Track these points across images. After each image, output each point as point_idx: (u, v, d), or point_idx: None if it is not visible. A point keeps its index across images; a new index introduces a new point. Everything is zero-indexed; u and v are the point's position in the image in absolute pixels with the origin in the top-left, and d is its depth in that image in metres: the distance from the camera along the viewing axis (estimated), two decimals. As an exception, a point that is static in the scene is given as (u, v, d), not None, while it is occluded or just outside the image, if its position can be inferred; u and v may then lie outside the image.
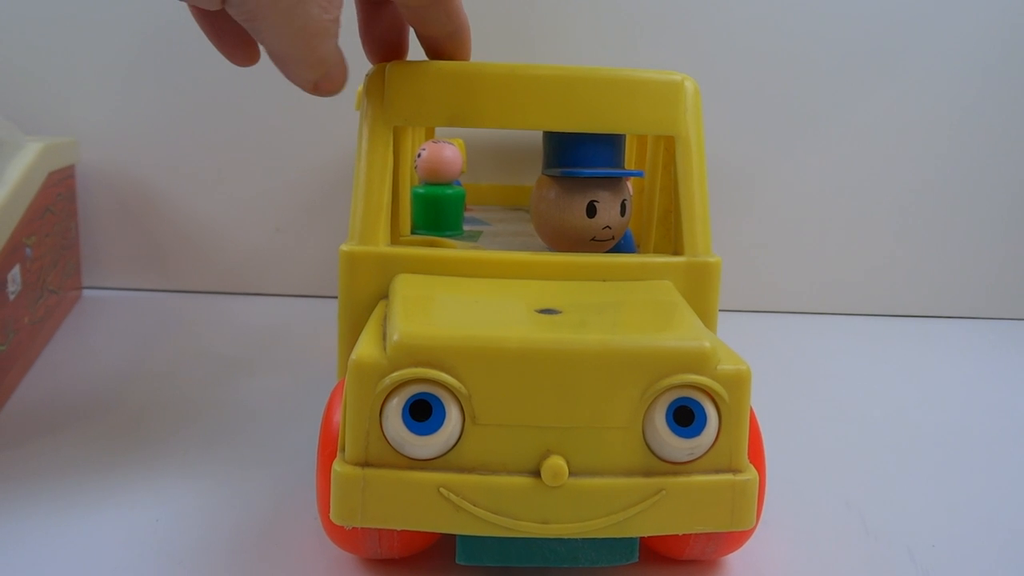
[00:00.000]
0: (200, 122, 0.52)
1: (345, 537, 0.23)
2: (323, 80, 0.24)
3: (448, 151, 0.37)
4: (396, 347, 0.20)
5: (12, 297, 0.37)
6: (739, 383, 0.21)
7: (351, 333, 0.27)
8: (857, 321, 0.55)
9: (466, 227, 0.39)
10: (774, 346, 0.49)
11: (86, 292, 0.52)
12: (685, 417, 0.21)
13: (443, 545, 0.25)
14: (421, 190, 0.37)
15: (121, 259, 0.53)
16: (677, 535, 0.23)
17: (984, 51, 0.54)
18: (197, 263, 0.54)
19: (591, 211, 0.28)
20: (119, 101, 0.52)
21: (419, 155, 0.37)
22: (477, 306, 0.23)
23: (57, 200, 0.46)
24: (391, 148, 0.27)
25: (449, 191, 0.37)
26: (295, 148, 0.53)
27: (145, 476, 0.29)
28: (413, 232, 0.36)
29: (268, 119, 0.52)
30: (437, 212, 0.37)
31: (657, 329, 0.22)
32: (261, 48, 0.26)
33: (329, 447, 0.23)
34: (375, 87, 0.27)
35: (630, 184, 0.30)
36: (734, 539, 0.24)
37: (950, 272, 0.57)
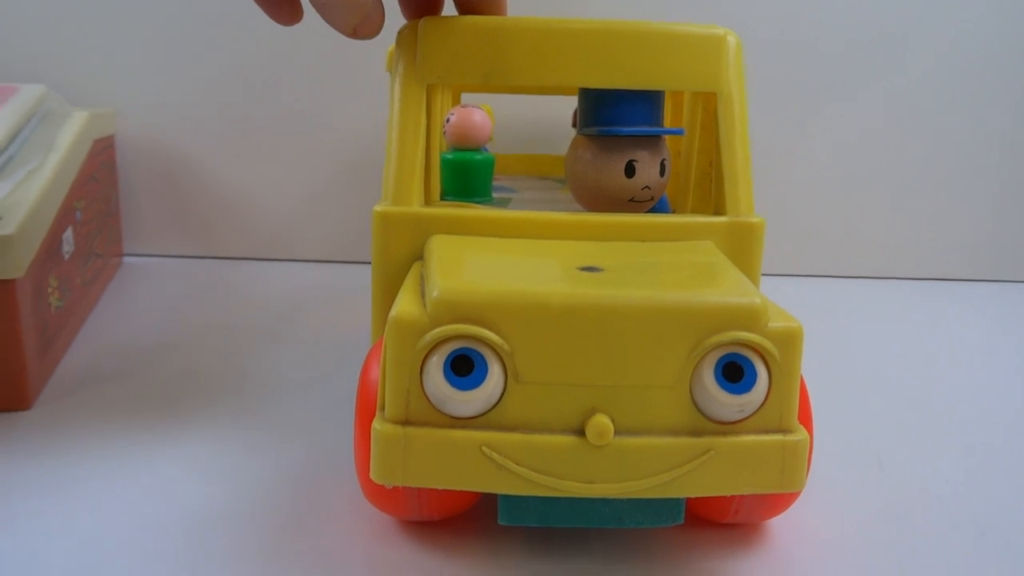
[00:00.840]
0: (232, 92, 0.53)
1: (384, 497, 0.23)
2: (362, 24, 0.24)
3: (477, 116, 0.36)
4: (436, 303, 0.20)
5: (67, 256, 0.39)
6: (791, 341, 0.20)
7: (385, 295, 0.26)
8: (875, 285, 0.55)
9: (495, 195, 0.38)
10: (794, 310, 0.49)
11: (126, 259, 0.53)
12: (734, 373, 0.20)
13: (483, 506, 0.24)
14: (450, 156, 0.36)
15: (158, 227, 0.54)
16: (721, 498, 0.23)
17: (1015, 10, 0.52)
18: (232, 230, 0.55)
19: (630, 171, 0.27)
20: (153, 73, 0.52)
21: (447, 120, 0.37)
22: (517, 264, 0.23)
23: (100, 168, 0.47)
24: (424, 107, 0.27)
25: (479, 156, 0.36)
26: (327, 116, 0.53)
27: (184, 433, 0.30)
28: (442, 199, 0.36)
29: (299, 88, 0.53)
30: (466, 178, 0.36)
31: (705, 286, 0.22)
32: (305, 6, 0.26)
33: (367, 408, 0.22)
34: (407, 44, 0.27)
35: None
36: (779, 502, 0.23)
37: (968, 236, 0.56)
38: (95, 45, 0.52)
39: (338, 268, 0.53)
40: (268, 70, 0.52)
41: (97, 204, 0.46)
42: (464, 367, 0.20)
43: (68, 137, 0.40)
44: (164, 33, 0.52)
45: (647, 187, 0.27)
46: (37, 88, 0.42)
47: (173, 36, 0.52)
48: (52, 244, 0.36)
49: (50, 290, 0.35)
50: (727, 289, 0.21)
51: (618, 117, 0.27)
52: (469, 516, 0.24)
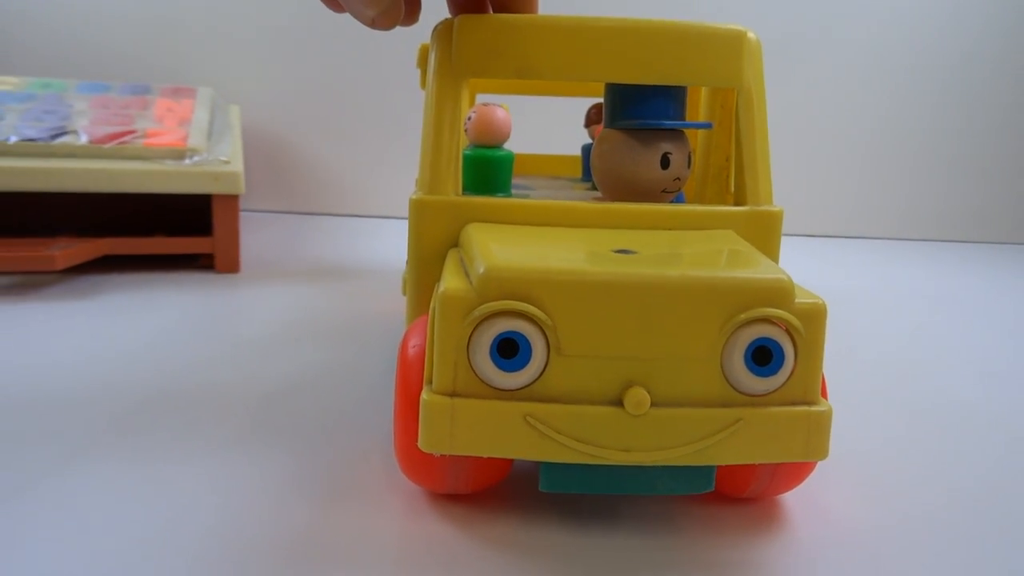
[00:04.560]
0: (322, 90, 0.77)
1: (421, 469, 0.24)
2: (379, 17, 0.27)
3: (499, 112, 0.38)
4: (483, 279, 0.21)
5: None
6: (816, 317, 0.21)
7: (421, 280, 0.27)
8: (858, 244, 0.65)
9: (514, 191, 0.39)
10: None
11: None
12: (764, 357, 0.21)
13: (512, 480, 0.25)
14: (470, 152, 0.37)
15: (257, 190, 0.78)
16: (740, 472, 0.24)
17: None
18: (315, 193, 0.78)
19: (665, 163, 0.28)
20: (260, 79, 0.76)
21: (468, 118, 0.38)
22: (555, 246, 0.24)
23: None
24: (459, 100, 0.28)
25: (500, 153, 0.37)
26: (398, 105, 0.75)
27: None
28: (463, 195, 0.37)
29: (374, 83, 0.75)
30: (487, 174, 0.37)
31: (734, 266, 0.23)
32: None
33: (407, 383, 0.23)
34: (443, 40, 0.28)
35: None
36: (794, 476, 0.25)
37: (930, 198, 0.62)
38: (216, 59, 0.76)
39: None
40: (349, 73, 0.75)
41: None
42: (509, 350, 0.21)
43: (236, 121, 0.64)
44: (270, 45, 0.76)
45: (678, 178, 0.28)
46: (208, 89, 0.65)
47: (277, 48, 0.76)
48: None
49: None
50: (756, 268, 0.22)
51: (654, 111, 0.28)
52: (499, 490, 0.25)
